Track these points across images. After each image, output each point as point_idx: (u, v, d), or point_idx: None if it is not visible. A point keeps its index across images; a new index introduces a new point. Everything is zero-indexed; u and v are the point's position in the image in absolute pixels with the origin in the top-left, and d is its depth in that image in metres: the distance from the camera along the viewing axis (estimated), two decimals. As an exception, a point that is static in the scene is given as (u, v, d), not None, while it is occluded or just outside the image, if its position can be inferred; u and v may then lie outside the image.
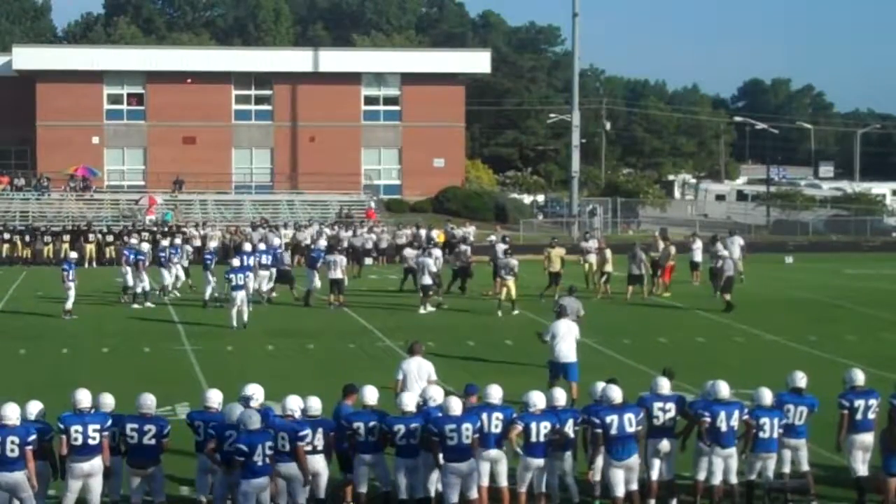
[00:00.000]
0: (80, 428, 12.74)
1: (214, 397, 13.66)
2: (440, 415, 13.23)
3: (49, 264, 46.12)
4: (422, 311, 31.40)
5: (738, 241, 38.20)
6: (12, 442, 12.36)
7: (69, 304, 30.52)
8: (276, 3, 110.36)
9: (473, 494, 13.16)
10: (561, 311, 20.71)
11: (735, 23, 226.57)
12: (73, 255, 34.76)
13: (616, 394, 13.79)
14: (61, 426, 12.82)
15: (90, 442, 12.75)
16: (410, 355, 16.97)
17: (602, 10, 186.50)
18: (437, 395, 13.81)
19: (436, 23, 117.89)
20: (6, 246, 48.44)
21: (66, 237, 48.07)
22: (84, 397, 12.99)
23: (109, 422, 12.95)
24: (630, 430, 13.57)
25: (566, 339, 19.78)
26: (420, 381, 16.26)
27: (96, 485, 12.90)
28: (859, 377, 14.51)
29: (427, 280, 31.69)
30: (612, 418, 13.54)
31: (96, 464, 12.84)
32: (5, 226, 50.42)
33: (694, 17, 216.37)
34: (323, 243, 37.56)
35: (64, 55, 70.00)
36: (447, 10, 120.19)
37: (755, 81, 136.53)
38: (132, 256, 33.21)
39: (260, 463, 12.52)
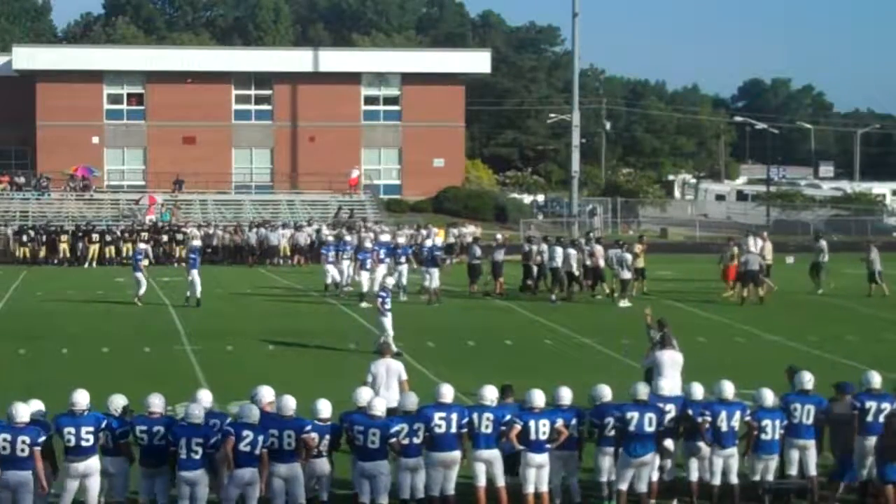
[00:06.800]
0: (72, 429, 12.75)
1: (205, 397, 13.67)
2: (361, 415, 13.19)
3: (48, 264, 46.13)
4: (622, 304, 32.16)
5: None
6: (23, 442, 12.40)
7: (141, 292, 32.70)
8: (276, 3, 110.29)
9: (384, 500, 13.08)
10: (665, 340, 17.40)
11: (735, 23, 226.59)
12: (142, 245, 37.43)
13: (643, 389, 13.85)
14: (54, 427, 12.85)
15: (83, 444, 12.76)
16: (380, 357, 16.98)
17: (602, 10, 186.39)
18: (447, 394, 13.75)
19: (436, 23, 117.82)
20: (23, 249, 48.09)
21: (65, 237, 47.90)
22: (80, 399, 12.95)
23: (104, 423, 12.92)
24: (649, 429, 13.55)
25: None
26: (390, 381, 16.36)
27: (93, 485, 12.89)
28: (875, 380, 14.42)
29: (626, 274, 32.72)
30: (633, 415, 13.53)
31: (91, 464, 12.84)
32: (21, 227, 50.03)
33: (694, 17, 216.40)
34: (403, 240, 38.37)
35: (64, 55, 69.87)
36: (447, 10, 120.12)
37: (755, 81, 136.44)
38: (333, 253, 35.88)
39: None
